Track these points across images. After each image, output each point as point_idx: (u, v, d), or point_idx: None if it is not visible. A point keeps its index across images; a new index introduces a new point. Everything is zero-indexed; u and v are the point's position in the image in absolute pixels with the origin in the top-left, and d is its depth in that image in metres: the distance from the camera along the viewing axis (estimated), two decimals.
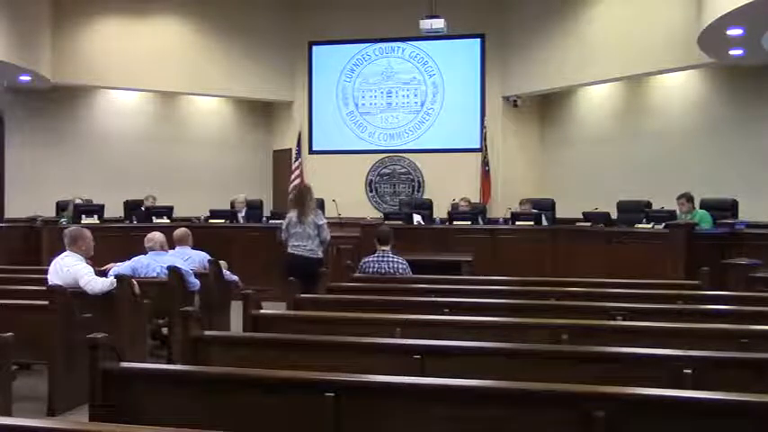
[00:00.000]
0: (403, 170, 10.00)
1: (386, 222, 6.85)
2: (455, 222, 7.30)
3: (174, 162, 9.87)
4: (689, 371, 2.05)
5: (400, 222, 7.19)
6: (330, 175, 9.47)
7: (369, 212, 9.16)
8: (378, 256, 4.67)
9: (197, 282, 4.75)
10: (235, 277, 5.36)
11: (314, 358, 2.35)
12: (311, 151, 10.27)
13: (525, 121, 9.84)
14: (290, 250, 5.27)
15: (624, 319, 3.06)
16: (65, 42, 8.67)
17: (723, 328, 2.75)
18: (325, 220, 5.33)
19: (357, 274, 4.59)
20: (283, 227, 5.35)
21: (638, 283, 4.10)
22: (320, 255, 5.22)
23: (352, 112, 10.16)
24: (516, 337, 2.67)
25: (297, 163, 10.07)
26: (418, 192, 9.91)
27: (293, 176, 10.03)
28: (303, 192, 5.44)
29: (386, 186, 10.06)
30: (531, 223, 7.08)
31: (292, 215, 5.32)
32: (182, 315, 2.54)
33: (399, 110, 10.00)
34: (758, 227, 5.68)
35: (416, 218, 7.49)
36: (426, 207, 8.25)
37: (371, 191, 10.12)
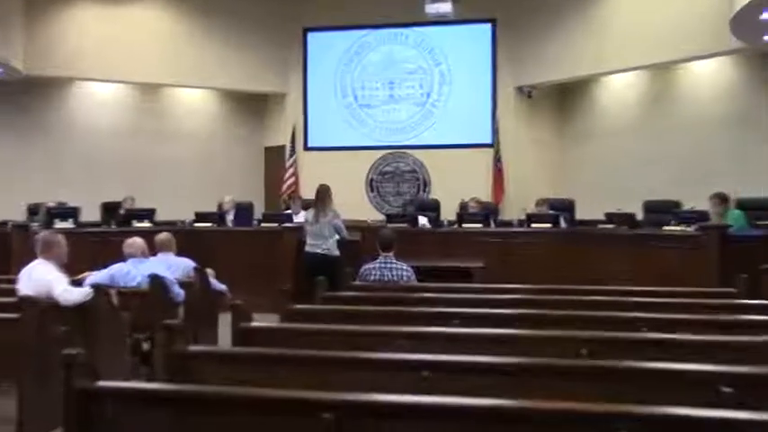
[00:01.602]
0: (407, 168, 10.03)
1: (388, 225, 6.89)
2: (465, 225, 7.32)
3: (155, 161, 9.91)
4: (728, 389, 2.03)
5: (404, 225, 7.24)
6: (327, 173, 9.24)
7: (370, 214, 9.17)
8: (380, 263, 4.72)
9: (181, 292, 4.76)
10: (223, 287, 5.37)
11: (310, 375, 2.36)
12: (306, 148, 10.31)
13: (541, 114, 9.86)
14: (306, 249, 6.08)
15: (651, 331, 3.07)
16: (38, 31, 8.72)
17: (765, 341, 2.72)
18: (341, 219, 6.05)
19: (357, 282, 4.64)
20: (304, 226, 6.24)
21: (667, 292, 4.09)
22: (337, 253, 5.90)
23: (351, 104, 10.20)
24: (533, 352, 2.67)
25: (291, 161, 10.11)
26: (424, 191, 9.95)
27: (287, 175, 10.09)
28: (321, 191, 6.12)
29: (388, 186, 10.12)
30: (548, 226, 7.09)
31: (309, 214, 6.16)
32: (165, 328, 2.53)
33: (403, 102, 10.04)
34: None
35: (422, 220, 7.52)
36: (433, 208, 8.29)
37: (372, 191, 10.16)
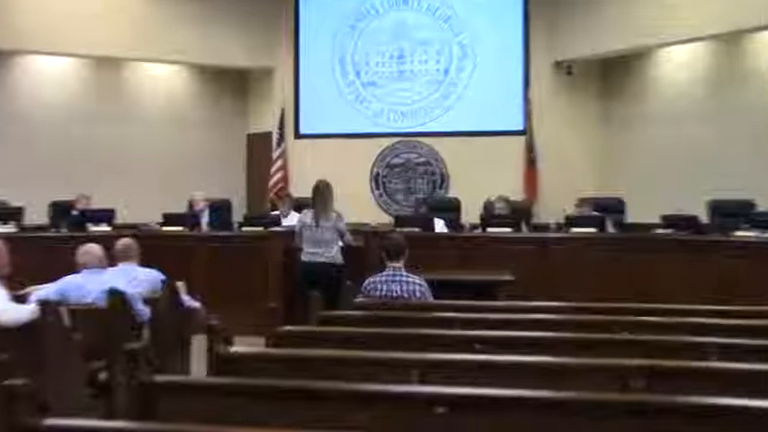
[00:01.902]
0: (420, 160, 10.05)
1: (397, 230, 6.93)
2: (490, 229, 7.32)
3: (115, 151, 9.94)
4: None
5: (417, 230, 7.24)
6: (323, 166, 9.32)
7: (374, 216, 9.20)
8: (387, 275, 4.75)
9: (146, 310, 4.77)
10: (196, 304, 5.36)
11: (301, 410, 2.36)
12: (298, 135, 10.32)
13: (583, 95, 9.87)
14: (303, 258, 6.18)
15: (720, 360, 3.08)
16: None
17: None
18: (344, 222, 6.24)
19: (359, 299, 4.68)
20: (297, 230, 6.31)
21: (740, 312, 4.10)
22: (341, 261, 6.12)
23: (352, 82, 10.21)
24: (573, 384, 2.67)
25: (279, 151, 10.14)
26: (441, 188, 9.96)
27: (274, 169, 10.11)
28: (319, 189, 6.26)
29: (397, 181, 10.12)
30: (592, 230, 7.11)
31: (306, 216, 6.22)
32: (126, 354, 2.55)
33: (415, 79, 10.05)
34: None
35: (438, 223, 7.52)
36: (452, 209, 8.29)
37: (378, 187, 10.18)
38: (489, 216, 7.75)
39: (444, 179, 9.99)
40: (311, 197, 6.40)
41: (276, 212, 8.20)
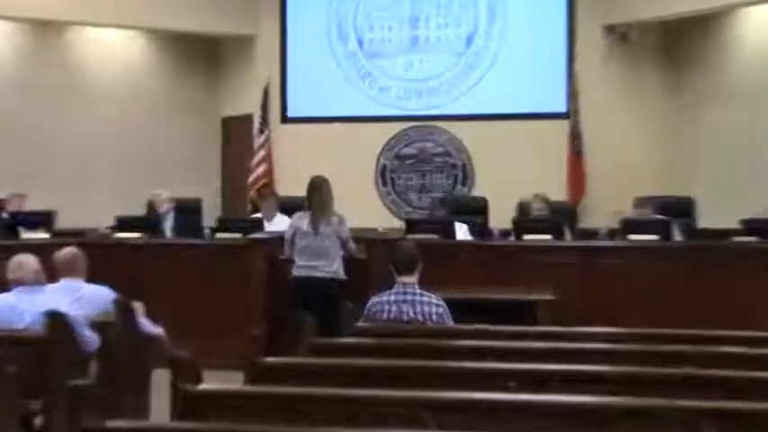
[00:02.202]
0: (438, 150, 10.01)
1: (409, 237, 6.93)
2: (526, 236, 7.32)
3: (55, 137, 9.90)
4: None
5: (434, 237, 7.22)
6: (317, 158, 9.46)
7: (381, 220, 9.08)
8: (396, 294, 4.76)
9: (95, 337, 4.74)
10: (158, 329, 5.31)
11: None
12: (286, 119, 10.33)
13: (642, 67, 9.85)
14: (296, 272, 6.26)
15: None
16: None
17: None
18: (347, 228, 6.36)
19: (361, 324, 4.71)
20: (287, 238, 6.38)
21: None
22: (344, 277, 6.24)
23: (353, 53, 10.20)
24: (629, 429, 2.67)
25: (262, 138, 10.14)
26: (463, 185, 9.94)
27: (256, 160, 10.10)
28: (317, 185, 6.34)
29: (409, 177, 10.08)
30: (654, 238, 7.06)
31: (300, 221, 6.30)
32: (69, 392, 2.54)
33: (432, 50, 10.03)
34: None
35: (461, 229, 7.49)
36: (477, 211, 8.26)
37: (386, 184, 10.16)
38: (524, 220, 7.75)
39: (468, 174, 9.94)
40: (306, 196, 6.45)
41: (258, 215, 8.18)
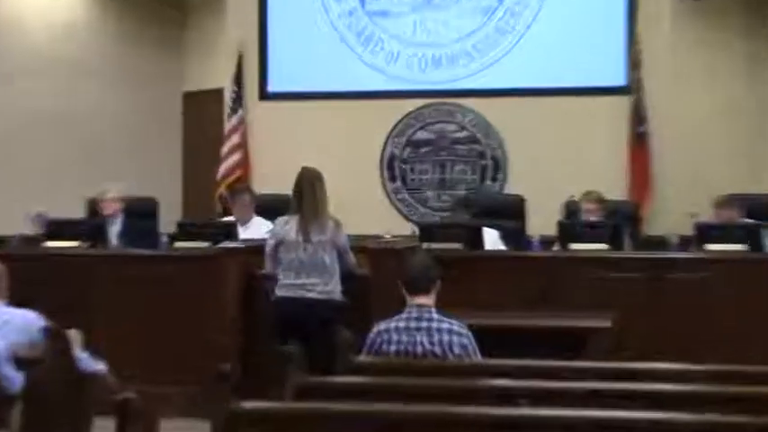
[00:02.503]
0: (462, 134, 9.97)
1: (424, 246, 6.94)
2: (574, 246, 7.30)
3: None
4: None
5: (456, 246, 7.20)
6: (305, 145, 9.49)
7: (387, 224, 8.77)
8: (408, 319, 4.76)
9: (18, 375, 4.75)
10: (99, 366, 5.24)
11: None
12: (265, 95, 10.31)
13: (724, 30, 9.77)
14: (279, 293, 6.26)
15: None
16: None
17: None
18: (346, 237, 6.42)
19: (362, 357, 4.75)
20: (268, 249, 6.37)
21: None
22: (340, 297, 6.26)
23: (352, 11, 10.20)
24: None
25: (235, 120, 10.16)
26: (494, 180, 9.91)
27: (227, 148, 10.13)
28: (308, 181, 6.31)
29: (425, 169, 10.03)
30: (740, 247, 7.02)
31: (286, 227, 6.26)
32: None
33: (452, 6, 10.00)
34: None
35: (491, 236, 7.48)
36: (512, 213, 8.32)
37: (394, 178, 10.12)
38: (573, 225, 7.70)
39: (499, 165, 9.91)
40: (293, 195, 6.42)
41: (230, 218, 8.24)
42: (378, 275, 6.67)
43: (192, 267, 7.21)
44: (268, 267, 6.47)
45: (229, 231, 7.61)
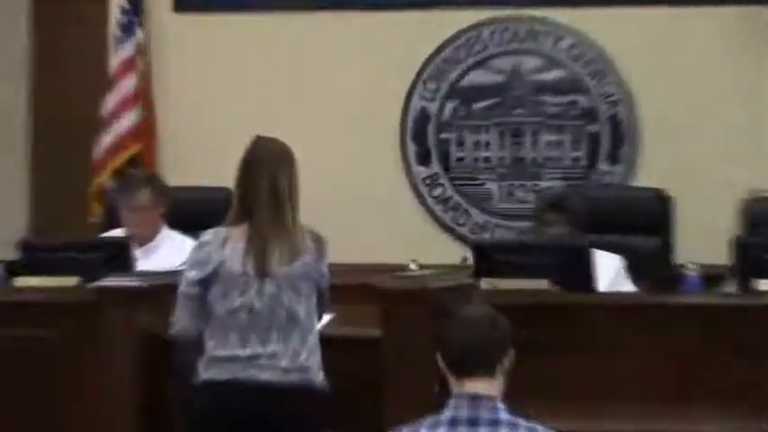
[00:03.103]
0: (552, 75, 7.99)
1: (483, 286, 5.62)
2: (763, 282, 5.75)
3: None
4: None
5: (543, 285, 5.85)
6: (259, 91, 7.87)
7: (413, 242, 7.48)
8: (453, 421, 3.82)
9: None
10: None
11: None
12: (182, 6, 8.65)
13: None
14: (209, 373, 5.06)
15: None
16: None
17: None
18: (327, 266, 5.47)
19: None
20: (185, 289, 5.08)
21: None
22: (321, 379, 5.12)
23: None
24: None
25: (129, 47, 8.62)
26: (614, 161, 8.06)
27: (115, 102, 8.46)
28: (264, 162, 5.19)
29: (482, 139, 8.14)
30: None
31: (222, 250, 5.14)
32: None
33: None
34: None
35: (608, 266, 6.25)
36: (648, 222, 6.80)
37: (425, 157, 8.18)
38: (753, 245, 6.24)
39: (624, 133, 7.95)
40: (236, 190, 5.11)
41: (118, 231, 6.75)
42: (393, 340, 5.25)
43: (46, 323, 5.65)
44: (184, 324, 4.97)
45: (116, 257, 6.14)
